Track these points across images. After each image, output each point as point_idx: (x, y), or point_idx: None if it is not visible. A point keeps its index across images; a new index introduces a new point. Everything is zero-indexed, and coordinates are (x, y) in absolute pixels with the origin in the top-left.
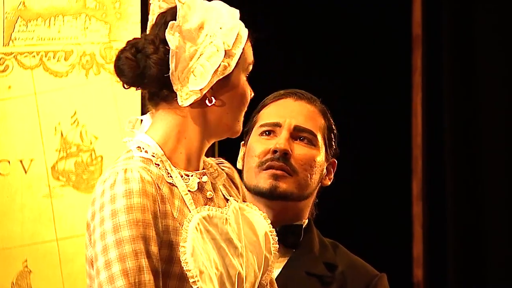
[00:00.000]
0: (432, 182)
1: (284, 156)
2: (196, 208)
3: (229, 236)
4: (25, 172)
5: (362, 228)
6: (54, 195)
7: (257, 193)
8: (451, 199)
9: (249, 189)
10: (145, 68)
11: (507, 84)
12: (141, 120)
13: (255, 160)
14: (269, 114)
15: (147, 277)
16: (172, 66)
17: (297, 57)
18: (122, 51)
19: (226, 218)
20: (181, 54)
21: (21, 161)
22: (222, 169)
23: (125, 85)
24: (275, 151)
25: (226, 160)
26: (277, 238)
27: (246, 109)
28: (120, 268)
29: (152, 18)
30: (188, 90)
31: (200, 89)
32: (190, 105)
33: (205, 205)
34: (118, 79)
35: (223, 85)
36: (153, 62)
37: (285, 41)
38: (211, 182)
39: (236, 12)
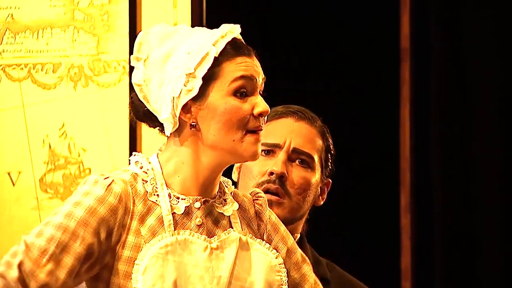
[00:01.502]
0: (420, 194)
1: (280, 179)
2: (175, 230)
3: (209, 264)
4: (13, 185)
5: (350, 240)
6: (42, 207)
7: None
8: (439, 211)
9: None
10: (135, 107)
11: (496, 97)
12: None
13: (252, 181)
14: (269, 133)
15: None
16: (142, 98)
17: (284, 71)
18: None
19: (207, 246)
20: (150, 86)
21: (9, 174)
22: (255, 204)
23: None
24: (271, 173)
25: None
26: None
27: (241, 132)
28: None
29: None
30: (164, 120)
31: (172, 116)
32: (179, 132)
33: (191, 230)
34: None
35: (200, 108)
36: (136, 99)
37: (276, 50)
38: (218, 211)
39: (216, 33)
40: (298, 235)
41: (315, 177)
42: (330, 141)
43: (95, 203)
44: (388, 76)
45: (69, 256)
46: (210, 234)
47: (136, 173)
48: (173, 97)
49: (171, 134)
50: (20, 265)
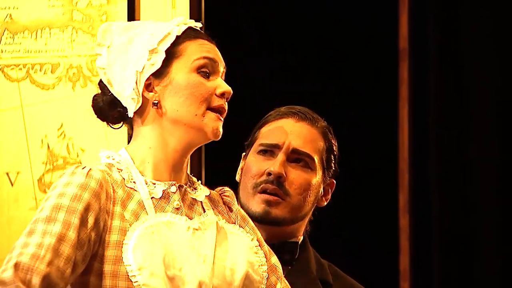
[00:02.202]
0: (419, 195)
1: (278, 179)
2: (156, 213)
3: (193, 243)
4: (12, 185)
5: (349, 240)
6: None
7: (249, 216)
8: (438, 212)
9: (243, 207)
10: (97, 101)
11: (494, 97)
12: None
13: (251, 181)
14: (269, 133)
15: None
16: (106, 82)
17: (282, 70)
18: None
19: (189, 226)
20: (113, 70)
21: (7, 174)
22: (223, 197)
23: (105, 122)
24: (269, 174)
25: (212, 176)
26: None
27: (204, 107)
28: (31, 228)
29: None
30: (129, 99)
31: (135, 93)
32: (141, 114)
33: (169, 213)
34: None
35: (161, 84)
36: (100, 89)
37: (274, 50)
38: (191, 197)
39: (179, 19)
40: (301, 237)
41: (316, 177)
42: (334, 141)
43: (78, 190)
44: (386, 76)
45: (64, 244)
46: (188, 218)
47: (110, 163)
48: (136, 71)
49: (135, 122)
50: (16, 265)
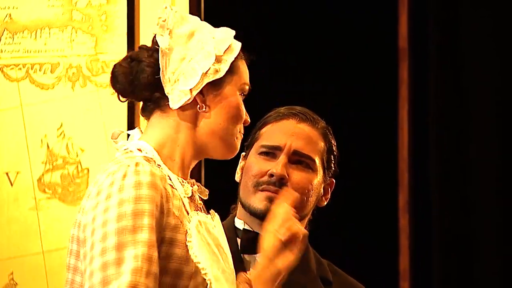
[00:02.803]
0: (418, 195)
1: (280, 181)
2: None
3: (219, 242)
4: (11, 185)
5: (348, 240)
6: (40, 207)
7: (251, 212)
8: (438, 211)
9: (243, 206)
10: (137, 72)
11: (494, 97)
12: (128, 134)
13: (252, 180)
14: (270, 135)
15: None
16: (162, 64)
17: (282, 72)
18: (118, 62)
19: (214, 225)
20: (171, 56)
21: (7, 174)
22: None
23: (120, 97)
24: (271, 175)
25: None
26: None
27: (238, 129)
28: (115, 257)
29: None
30: (178, 91)
31: (190, 89)
32: (182, 110)
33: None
34: (112, 91)
35: (215, 93)
36: (146, 64)
37: (274, 50)
38: (197, 195)
39: (230, 31)
40: None
41: (317, 178)
42: (333, 142)
43: (151, 192)
44: (386, 76)
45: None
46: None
47: (148, 157)
48: (202, 73)
49: (166, 113)
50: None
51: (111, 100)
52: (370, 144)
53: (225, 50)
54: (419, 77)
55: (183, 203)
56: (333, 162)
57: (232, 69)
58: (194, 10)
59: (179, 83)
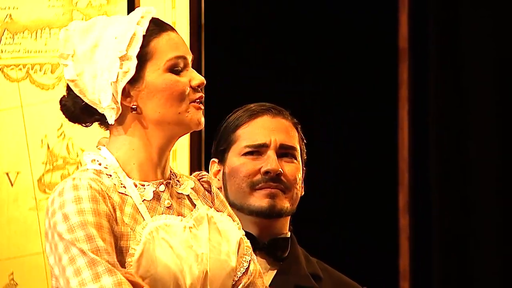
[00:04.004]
0: (419, 195)
1: (277, 176)
2: (152, 217)
3: (190, 243)
4: (12, 185)
5: (348, 241)
6: (41, 208)
7: (251, 212)
8: (438, 212)
9: (238, 208)
10: (70, 108)
11: (494, 97)
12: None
13: (245, 181)
14: (250, 134)
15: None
16: (78, 94)
17: (282, 71)
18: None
19: (185, 226)
20: (84, 79)
21: (7, 174)
22: (201, 183)
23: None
24: (266, 172)
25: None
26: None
27: (185, 103)
28: (85, 261)
29: None
30: (105, 108)
31: (114, 102)
32: (122, 119)
33: (163, 213)
34: None
35: (138, 89)
36: (68, 101)
37: (274, 49)
38: (177, 191)
39: (135, 15)
40: (289, 233)
41: (300, 167)
42: (301, 131)
43: (92, 204)
44: (386, 76)
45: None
46: (179, 214)
47: (98, 170)
48: (111, 83)
49: (113, 124)
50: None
51: None
52: (370, 144)
53: (127, 46)
54: (419, 77)
55: (138, 210)
56: (305, 151)
57: (145, 56)
58: (194, 10)
59: (101, 101)
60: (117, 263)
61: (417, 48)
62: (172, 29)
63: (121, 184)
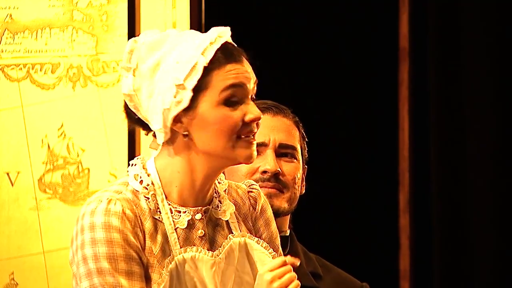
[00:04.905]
0: (419, 194)
1: (275, 176)
2: (182, 247)
3: (216, 280)
4: (12, 185)
5: (348, 240)
6: (41, 207)
7: None
8: (438, 211)
9: None
10: (127, 114)
11: (494, 97)
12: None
13: (243, 179)
14: None
15: None
16: (131, 107)
17: (284, 70)
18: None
19: (214, 261)
20: (140, 96)
21: (7, 174)
22: (249, 197)
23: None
24: (264, 172)
25: None
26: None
27: (233, 138)
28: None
29: None
30: (155, 129)
31: (164, 127)
32: (172, 141)
33: (194, 244)
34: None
35: (191, 118)
36: (127, 106)
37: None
38: (215, 217)
39: (206, 38)
40: (288, 231)
41: (300, 166)
42: (303, 129)
43: (122, 234)
44: (387, 76)
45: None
46: (211, 242)
47: (137, 190)
48: (164, 109)
49: (167, 142)
50: None
51: (112, 100)
52: (371, 143)
53: (186, 76)
54: (420, 76)
55: (168, 238)
56: (306, 149)
57: (200, 87)
58: (195, 11)
59: (153, 122)
60: None
61: (418, 48)
62: (241, 59)
63: (157, 209)
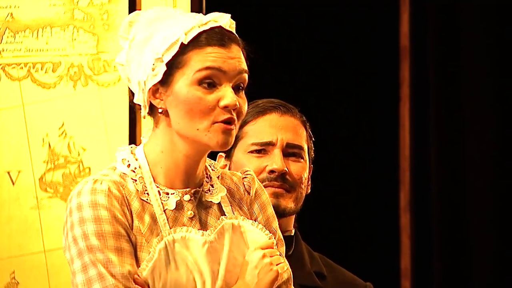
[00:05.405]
0: (420, 193)
1: (282, 175)
2: (171, 228)
3: (208, 258)
4: (13, 184)
5: (349, 239)
6: (42, 206)
7: None
8: (439, 210)
9: None
10: (129, 91)
11: (493, 98)
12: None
13: None
14: (257, 131)
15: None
16: (124, 78)
17: (285, 69)
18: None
19: (205, 240)
20: (131, 67)
21: (8, 173)
22: (243, 183)
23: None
24: (271, 171)
25: None
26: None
27: (206, 122)
28: (96, 272)
29: None
30: (138, 102)
31: (142, 99)
32: (154, 116)
33: (184, 225)
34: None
35: (167, 93)
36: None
37: (274, 47)
38: (206, 199)
39: (198, 20)
40: (293, 230)
41: (307, 166)
42: (309, 128)
43: (109, 212)
44: (387, 74)
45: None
46: (203, 224)
47: (124, 173)
48: (142, 81)
49: (153, 122)
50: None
51: (113, 99)
52: (372, 142)
53: (164, 50)
54: (421, 75)
55: (157, 220)
56: (313, 148)
57: (178, 64)
58: (196, 10)
59: (136, 94)
60: (133, 271)
61: (419, 46)
62: (226, 45)
63: (145, 190)
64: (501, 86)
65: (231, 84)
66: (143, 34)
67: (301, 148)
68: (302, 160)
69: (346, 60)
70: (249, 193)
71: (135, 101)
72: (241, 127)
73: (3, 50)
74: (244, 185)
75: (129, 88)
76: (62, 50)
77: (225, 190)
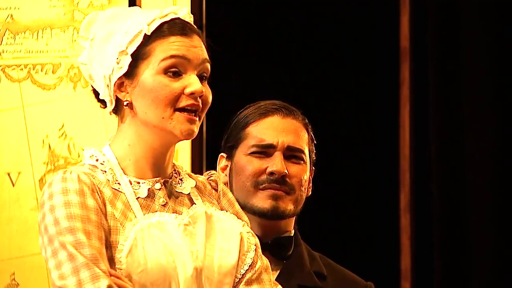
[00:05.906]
0: (420, 194)
1: (282, 178)
2: (144, 214)
3: (185, 240)
4: (13, 185)
5: (349, 240)
6: None
7: (254, 212)
8: (439, 211)
9: (241, 207)
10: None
11: (493, 96)
12: None
13: (250, 179)
14: (259, 133)
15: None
16: (87, 78)
17: (285, 69)
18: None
19: (179, 223)
20: (94, 66)
21: (8, 174)
22: (209, 182)
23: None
24: (271, 173)
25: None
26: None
27: (169, 105)
28: (66, 254)
29: None
30: (103, 98)
31: (108, 94)
32: (120, 111)
33: (157, 211)
34: None
35: (132, 85)
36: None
37: (274, 48)
38: (176, 190)
39: (159, 12)
40: (293, 231)
41: (307, 168)
42: (311, 131)
43: (79, 197)
44: (387, 75)
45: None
46: (175, 212)
47: (93, 165)
48: (107, 74)
49: (119, 119)
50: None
51: None
52: (372, 142)
53: (128, 43)
54: (421, 76)
55: (130, 206)
56: (314, 151)
57: (143, 55)
58: (195, 9)
59: (100, 90)
60: (102, 255)
61: (419, 48)
62: (188, 34)
63: (116, 180)
64: (501, 85)
65: (195, 72)
66: (103, 31)
67: (301, 151)
68: (302, 162)
69: (346, 60)
70: (216, 190)
71: (100, 97)
72: (243, 128)
73: (3, 52)
74: (210, 184)
75: (92, 87)
76: (62, 51)
77: (194, 182)
